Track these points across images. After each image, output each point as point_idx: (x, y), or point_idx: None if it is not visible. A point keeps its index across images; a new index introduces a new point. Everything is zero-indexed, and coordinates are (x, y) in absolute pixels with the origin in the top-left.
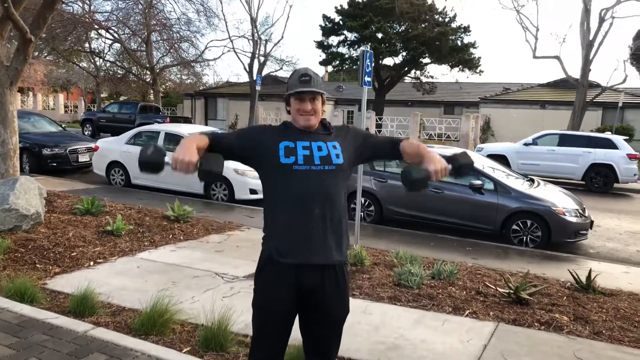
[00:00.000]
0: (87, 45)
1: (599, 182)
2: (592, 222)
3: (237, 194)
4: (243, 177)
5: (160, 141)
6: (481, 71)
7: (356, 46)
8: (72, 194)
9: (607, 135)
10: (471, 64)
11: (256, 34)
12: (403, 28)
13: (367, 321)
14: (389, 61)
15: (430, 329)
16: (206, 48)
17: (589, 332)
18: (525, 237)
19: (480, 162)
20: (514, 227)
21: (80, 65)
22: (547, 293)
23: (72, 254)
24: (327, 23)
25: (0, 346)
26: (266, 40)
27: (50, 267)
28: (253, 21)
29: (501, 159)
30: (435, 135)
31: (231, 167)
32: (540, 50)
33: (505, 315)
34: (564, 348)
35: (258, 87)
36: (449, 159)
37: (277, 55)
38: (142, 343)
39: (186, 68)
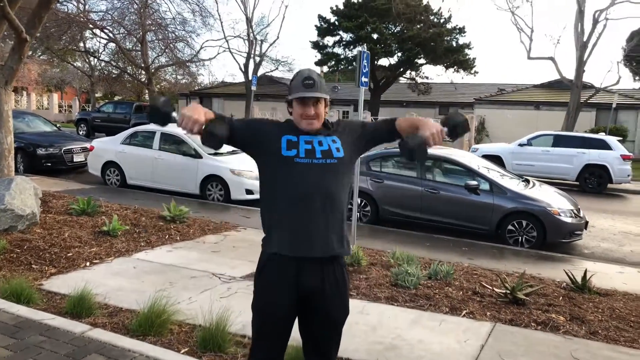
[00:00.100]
0: (81, 44)
1: (593, 182)
2: (586, 222)
3: (233, 194)
4: (239, 177)
5: (156, 141)
6: (476, 72)
7: (352, 47)
8: (68, 194)
9: (601, 136)
10: (466, 65)
11: (252, 34)
12: (398, 29)
13: (364, 321)
14: (384, 62)
15: (428, 329)
16: (201, 48)
17: (585, 332)
18: (520, 238)
19: (476, 162)
20: (510, 227)
21: (75, 64)
22: (543, 293)
23: (68, 255)
24: (322, 23)
25: None
26: (262, 41)
27: (46, 268)
28: (249, 21)
29: (496, 159)
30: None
31: (227, 168)
32: (534, 51)
33: (502, 315)
34: (561, 348)
35: (254, 87)
36: (442, 121)
37: (273, 55)
38: (140, 344)
39: (181, 68)
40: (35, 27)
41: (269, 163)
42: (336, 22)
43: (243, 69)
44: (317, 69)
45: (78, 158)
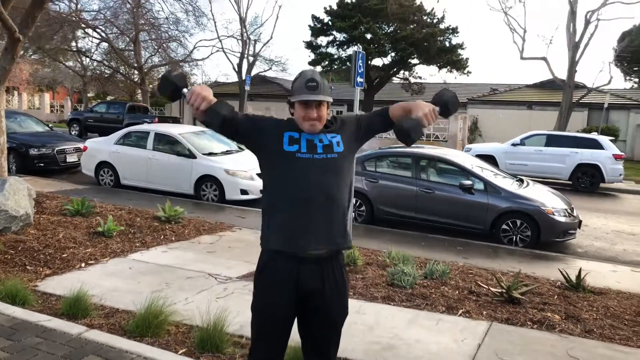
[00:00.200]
0: (73, 44)
1: (586, 182)
2: (580, 221)
3: (228, 194)
4: (234, 177)
5: (150, 141)
6: (469, 72)
7: (345, 47)
8: (61, 195)
9: (594, 135)
10: (459, 65)
11: (245, 34)
12: (392, 29)
13: (361, 321)
14: (377, 62)
15: (425, 329)
16: (195, 48)
17: (580, 330)
18: (514, 237)
19: (470, 162)
20: (504, 226)
21: (67, 64)
22: (539, 292)
23: (63, 256)
24: (316, 23)
25: None
26: (255, 40)
27: (41, 269)
28: (242, 21)
29: (489, 159)
30: (423, 135)
31: (222, 168)
32: (527, 51)
33: (498, 314)
34: (557, 347)
35: (247, 87)
36: (433, 101)
37: (266, 55)
38: (137, 345)
39: (174, 68)
40: (29, 26)
41: (270, 158)
42: (330, 22)
43: (237, 69)
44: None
45: (71, 158)
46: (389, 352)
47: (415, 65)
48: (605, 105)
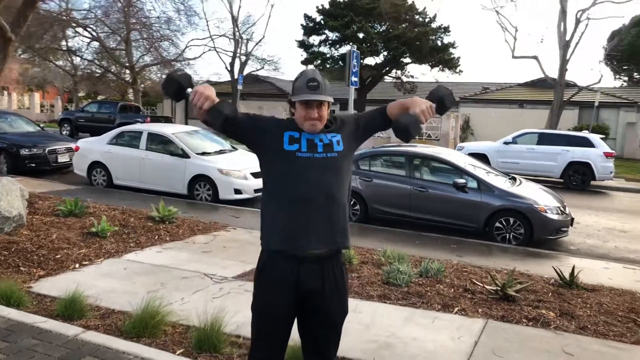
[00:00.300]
0: (64, 43)
1: (577, 179)
2: (572, 219)
3: (222, 194)
4: (227, 177)
5: (143, 141)
6: (461, 71)
7: (337, 46)
8: (54, 195)
9: (585, 134)
10: (451, 64)
11: (237, 33)
12: (384, 28)
13: (358, 320)
14: (370, 61)
15: (421, 327)
16: (187, 47)
17: (575, 327)
18: (508, 235)
19: (463, 160)
20: (497, 224)
21: (57, 63)
22: (533, 289)
23: (57, 257)
24: (308, 22)
25: None
26: (247, 40)
27: (35, 270)
28: (234, 20)
29: (482, 157)
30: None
31: (215, 167)
32: (518, 50)
33: (494, 312)
34: (552, 343)
35: (240, 87)
36: (429, 97)
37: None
38: (134, 346)
39: (167, 67)
40: (20, 26)
41: (270, 157)
42: (322, 21)
43: (229, 68)
44: (303, 69)
45: (63, 158)
46: (386, 351)
47: (407, 64)
48: (596, 104)
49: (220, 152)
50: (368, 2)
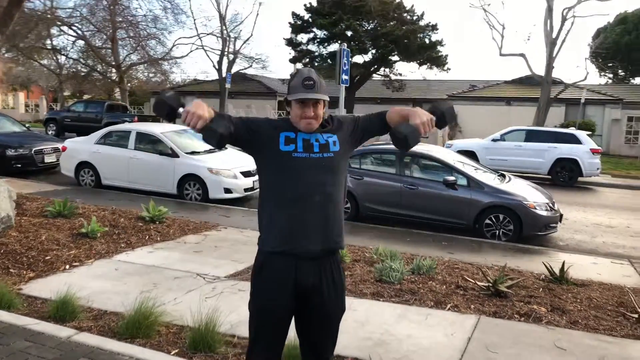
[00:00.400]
0: (48, 42)
1: (565, 176)
2: (561, 215)
3: (212, 193)
4: (217, 176)
5: (132, 141)
6: (448, 69)
7: (326, 44)
8: (41, 196)
9: (572, 130)
10: (439, 62)
11: (225, 32)
12: (372, 26)
13: (352, 318)
14: (358, 59)
15: (415, 324)
16: (174, 46)
17: (566, 322)
18: (497, 231)
19: (453, 158)
20: (487, 221)
21: (41, 62)
22: (524, 285)
23: (46, 258)
24: (296, 20)
25: None
26: (235, 38)
27: (25, 272)
28: (222, 18)
29: (470, 154)
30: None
31: (205, 166)
32: (506, 48)
33: (486, 308)
34: (544, 338)
35: (228, 85)
36: (430, 110)
37: (247, 52)
38: (129, 347)
39: (153, 66)
40: (7, 25)
41: (267, 159)
42: (310, 19)
43: (217, 67)
44: (291, 66)
45: (49, 159)
46: (381, 348)
47: (395, 62)
48: (582, 101)
49: (210, 151)
50: (356, 0)
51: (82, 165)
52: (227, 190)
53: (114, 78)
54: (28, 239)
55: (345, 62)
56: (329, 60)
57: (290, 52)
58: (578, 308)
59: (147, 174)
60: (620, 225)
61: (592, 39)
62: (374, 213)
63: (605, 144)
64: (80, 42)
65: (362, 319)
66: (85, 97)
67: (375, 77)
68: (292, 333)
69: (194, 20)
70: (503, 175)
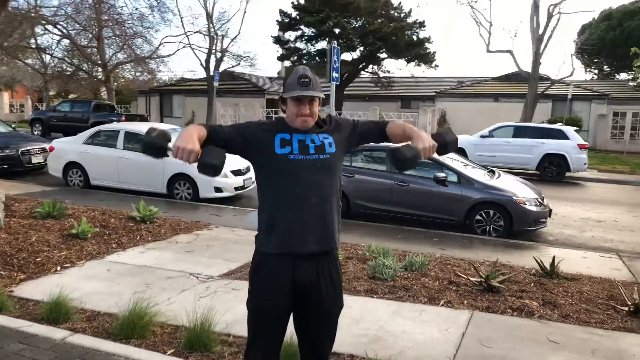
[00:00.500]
0: (33, 41)
1: (552, 171)
2: (550, 210)
3: (202, 192)
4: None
5: (121, 140)
6: (436, 65)
7: (314, 41)
8: (29, 197)
9: (559, 126)
10: (427, 59)
11: (212, 30)
12: (360, 23)
13: (347, 315)
14: (346, 56)
15: (409, 320)
16: (161, 44)
17: (558, 315)
18: (488, 227)
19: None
20: (478, 217)
21: (26, 61)
22: (516, 280)
23: (37, 259)
24: (284, 18)
25: None
26: (223, 36)
27: (15, 274)
28: (209, 16)
29: (459, 151)
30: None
31: (195, 165)
32: (493, 44)
33: (479, 303)
34: (537, 332)
35: (216, 84)
36: (435, 136)
37: (234, 50)
38: (124, 347)
39: (140, 65)
40: None
41: (263, 162)
42: (297, 17)
43: (204, 65)
44: (279, 65)
45: (36, 159)
46: (376, 344)
47: (383, 59)
48: (569, 97)
49: None
50: None
51: (70, 166)
52: (218, 189)
53: (100, 77)
54: (18, 240)
55: (336, 59)
56: (317, 58)
57: (278, 50)
58: (569, 302)
59: (137, 173)
60: (608, 219)
61: (577, 35)
62: (365, 210)
63: (591, 139)
64: (66, 41)
65: (357, 316)
66: (71, 96)
67: (364, 74)
68: (288, 331)
69: (181, 18)
70: (492, 172)
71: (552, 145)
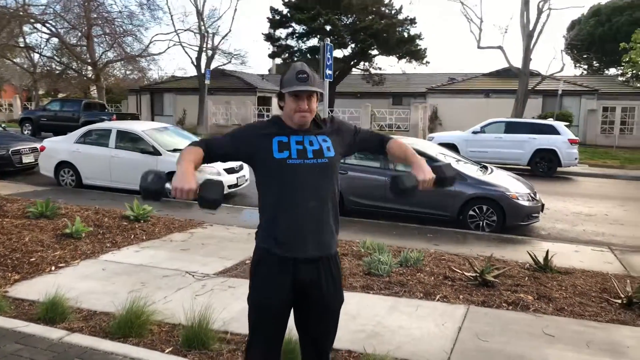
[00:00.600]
0: (21, 39)
1: (544, 166)
2: (543, 205)
3: None
4: (200, 173)
5: (113, 139)
6: (427, 62)
7: (305, 38)
8: (21, 197)
9: (550, 121)
10: (418, 55)
11: (203, 27)
12: (351, 20)
13: (344, 310)
14: (338, 53)
15: (405, 315)
16: (151, 42)
17: (552, 309)
18: (481, 222)
19: (436, 150)
20: (471, 212)
21: (14, 60)
22: (510, 275)
23: (31, 260)
24: (274, 15)
25: None
26: (213, 34)
27: (9, 274)
28: (199, 14)
29: (451, 147)
30: (385, 125)
31: None
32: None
33: (474, 297)
34: (533, 326)
35: (207, 82)
36: (435, 169)
37: (225, 48)
38: (122, 346)
39: (130, 63)
40: None
41: (262, 167)
42: (288, 14)
43: (195, 63)
44: (271, 62)
45: (27, 159)
46: (374, 340)
47: (375, 56)
48: (560, 92)
49: None
50: None
51: (62, 165)
52: None
53: (90, 76)
54: (11, 240)
55: (329, 57)
56: (308, 55)
57: (269, 48)
58: (563, 295)
59: (129, 172)
60: (599, 213)
61: (567, 30)
62: (359, 207)
63: (581, 134)
64: (55, 40)
65: (353, 312)
66: (60, 95)
67: (355, 71)
68: (288, 327)
69: (171, 16)
70: (485, 167)
71: (543, 141)
